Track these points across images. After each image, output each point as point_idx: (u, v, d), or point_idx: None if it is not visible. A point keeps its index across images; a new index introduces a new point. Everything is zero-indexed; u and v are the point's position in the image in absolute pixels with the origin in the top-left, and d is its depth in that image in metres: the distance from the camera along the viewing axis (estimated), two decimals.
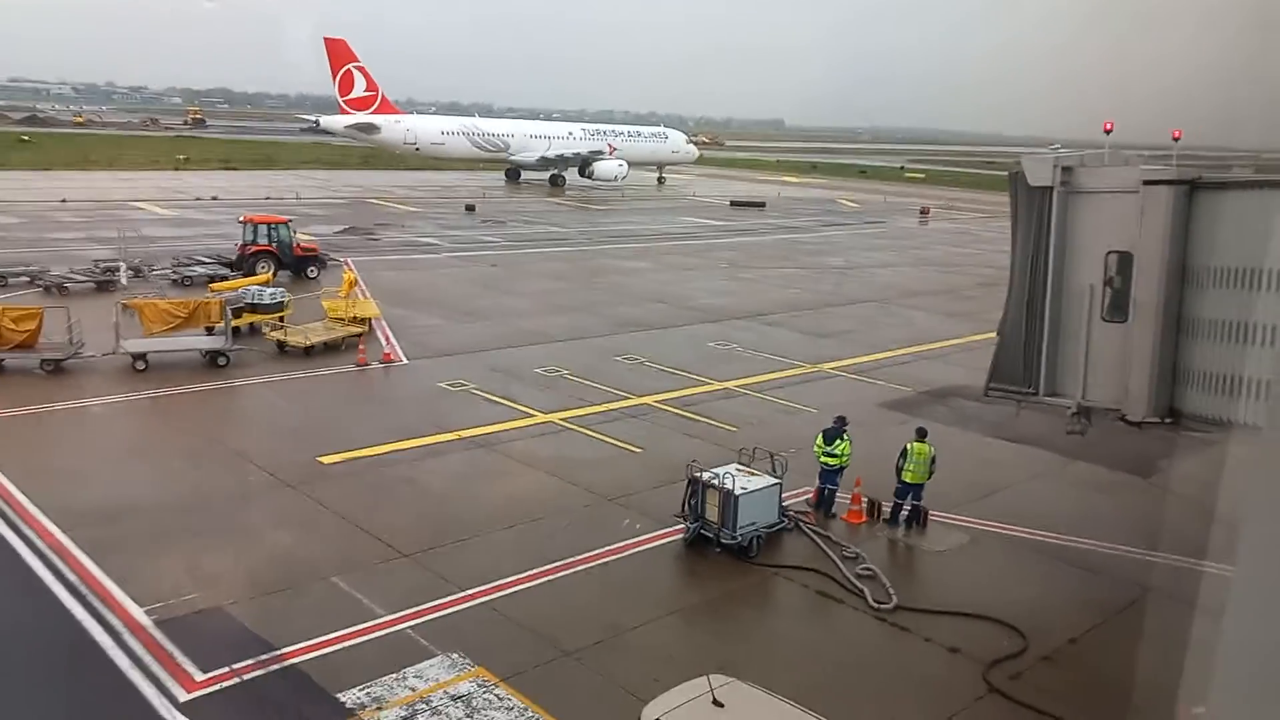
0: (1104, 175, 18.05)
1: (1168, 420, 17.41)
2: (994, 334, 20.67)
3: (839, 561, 19.15)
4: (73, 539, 18.66)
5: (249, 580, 17.43)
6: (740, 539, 19.06)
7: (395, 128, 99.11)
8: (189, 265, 45.85)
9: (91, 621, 15.87)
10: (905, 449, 21.11)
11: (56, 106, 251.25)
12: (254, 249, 45.28)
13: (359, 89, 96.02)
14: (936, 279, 56.22)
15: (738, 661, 15.56)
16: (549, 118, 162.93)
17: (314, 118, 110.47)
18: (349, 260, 50.86)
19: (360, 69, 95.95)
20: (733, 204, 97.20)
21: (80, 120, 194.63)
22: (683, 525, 19.93)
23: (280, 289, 37.17)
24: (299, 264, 46.58)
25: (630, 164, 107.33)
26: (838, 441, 21.45)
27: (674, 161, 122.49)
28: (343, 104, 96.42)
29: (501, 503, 21.58)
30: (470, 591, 17.31)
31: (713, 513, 19.29)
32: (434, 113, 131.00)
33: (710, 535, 19.38)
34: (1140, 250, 17.12)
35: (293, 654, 15.14)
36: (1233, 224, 16.18)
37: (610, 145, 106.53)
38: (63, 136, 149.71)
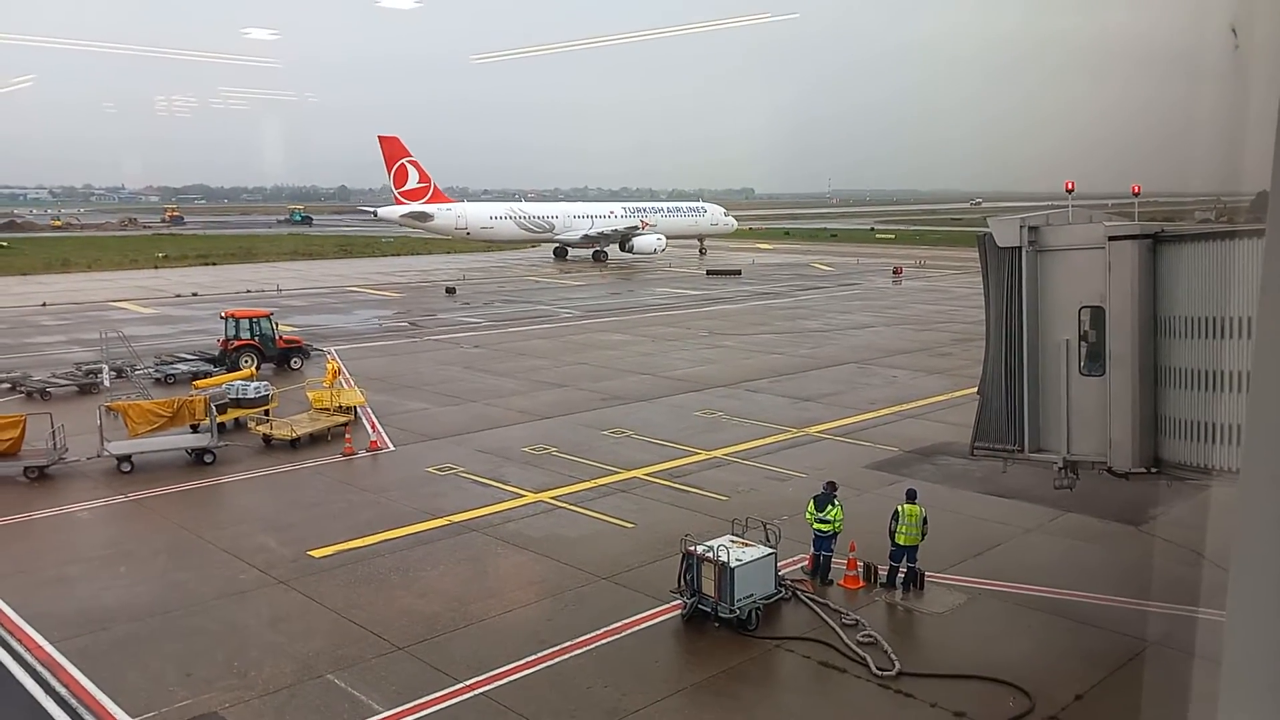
0: (1069, 233, 18.56)
1: (1153, 470, 17.62)
2: (975, 391, 20.95)
3: (839, 629, 19.04)
4: (61, 650, 18.35)
5: (244, 683, 17.14)
6: (738, 612, 18.95)
7: (447, 215, 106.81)
8: (171, 363, 45.79)
9: None
10: (897, 511, 21.16)
11: (34, 211, 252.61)
12: (236, 344, 45.36)
13: (413, 181, 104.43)
14: (913, 337, 56.81)
15: None
16: (525, 198, 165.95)
17: (372, 210, 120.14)
18: (332, 350, 50.95)
19: (413, 163, 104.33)
20: (709, 273, 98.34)
21: (58, 224, 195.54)
22: (680, 601, 19.81)
23: (264, 383, 37.14)
24: (282, 356, 46.65)
25: (671, 237, 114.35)
26: (829, 507, 21.49)
27: (713, 234, 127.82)
28: (398, 195, 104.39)
29: (495, 588, 21.41)
30: (468, 682, 17.08)
31: (709, 586, 19.20)
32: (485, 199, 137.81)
33: (708, 609, 19.26)
34: (1111, 304, 17.52)
35: None
36: (1196, 274, 16.63)
37: (643, 221, 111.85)
38: (41, 241, 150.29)
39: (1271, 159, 2.40)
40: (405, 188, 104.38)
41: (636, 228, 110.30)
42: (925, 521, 21.02)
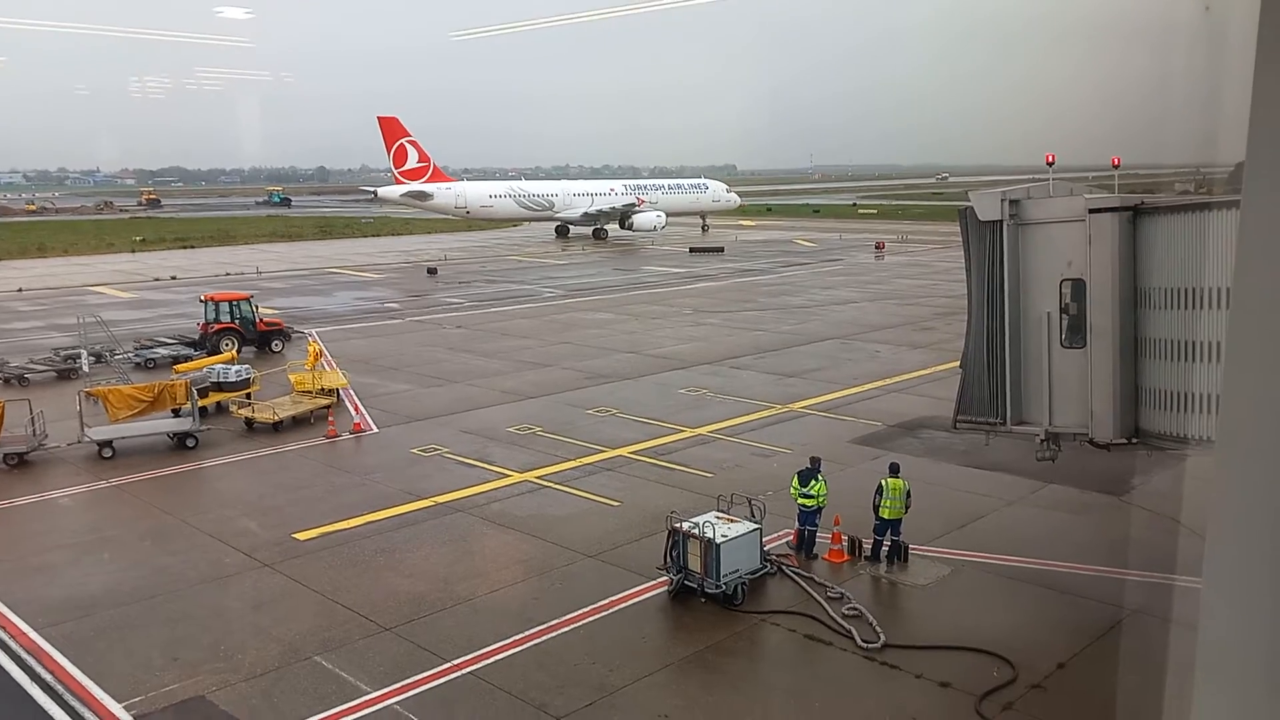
0: (1050, 206, 18.60)
1: (1134, 440, 17.78)
2: (957, 365, 21.06)
3: (824, 603, 19.19)
4: (46, 636, 18.28)
5: (230, 666, 17.13)
6: (724, 587, 19.05)
7: (447, 194, 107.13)
8: (151, 347, 45.43)
9: None
10: (880, 485, 21.29)
11: (8, 195, 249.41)
12: (217, 327, 45.05)
13: (412, 160, 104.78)
14: (896, 312, 57.00)
15: (731, 713, 15.53)
16: (508, 176, 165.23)
17: (372, 190, 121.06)
18: (313, 332, 50.67)
19: (412, 143, 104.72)
20: (692, 250, 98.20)
21: (33, 208, 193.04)
22: (666, 577, 19.90)
23: (245, 366, 36.91)
24: (263, 339, 46.36)
25: (671, 214, 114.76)
26: (813, 482, 21.60)
27: (715, 210, 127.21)
28: (397, 175, 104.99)
29: (481, 568, 21.45)
30: (456, 661, 17.13)
31: (695, 563, 19.29)
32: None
33: (694, 585, 19.35)
34: (1091, 276, 17.60)
35: None
36: (1175, 245, 16.73)
37: (639, 198, 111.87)
38: (16, 225, 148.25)
39: (1247, 130, 2.39)
40: (405, 167, 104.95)
41: (634, 205, 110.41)
42: (909, 495, 21.16)
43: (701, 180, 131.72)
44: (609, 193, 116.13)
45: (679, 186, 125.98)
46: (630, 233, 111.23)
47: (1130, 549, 21.40)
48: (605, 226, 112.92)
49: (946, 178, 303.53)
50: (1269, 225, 2.39)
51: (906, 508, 21.12)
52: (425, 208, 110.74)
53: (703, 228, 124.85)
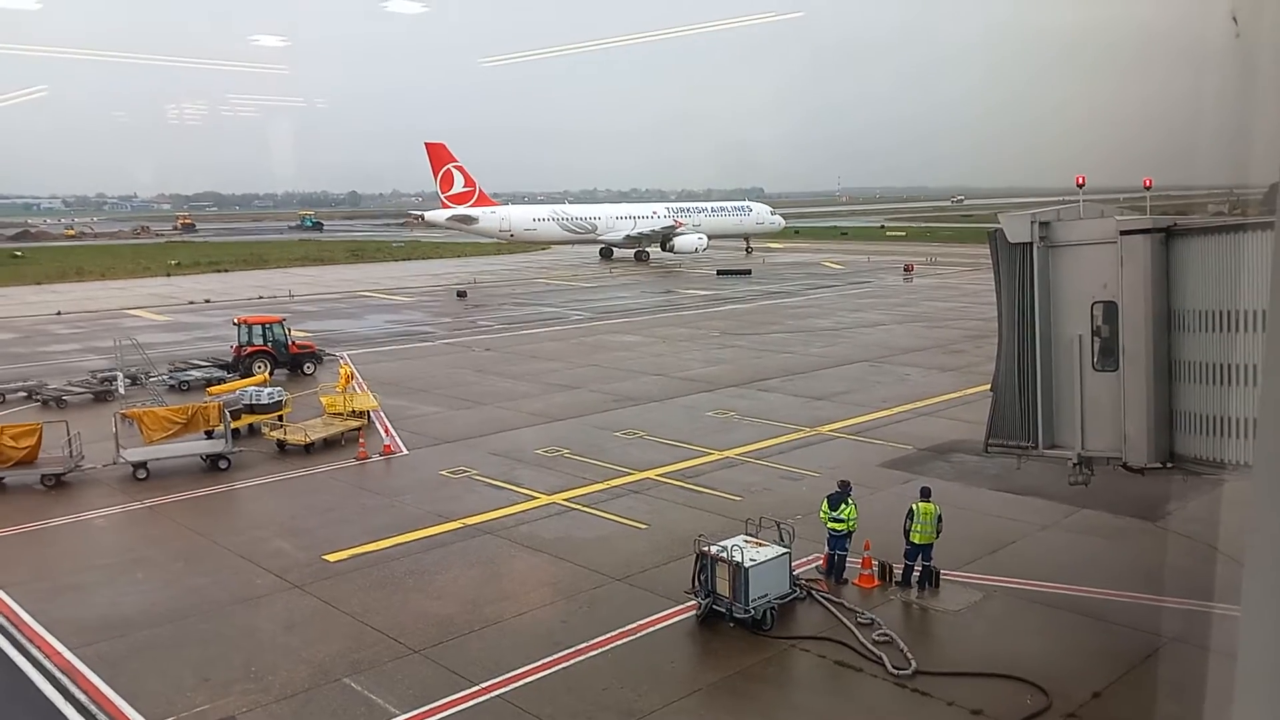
0: (1081, 228, 18.46)
1: (1169, 465, 17.52)
2: (988, 388, 20.88)
3: (854, 629, 19.00)
4: (80, 656, 18.48)
5: (260, 687, 17.23)
6: (753, 612, 18.93)
7: (491, 218, 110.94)
8: (185, 370, 46.04)
9: None
10: (911, 510, 21.10)
11: (48, 220, 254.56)
12: (250, 349, 45.60)
13: (458, 185, 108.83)
14: (925, 334, 56.64)
15: None
16: (534, 200, 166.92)
17: (419, 214, 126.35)
18: (345, 354, 51.14)
19: (459, 168, 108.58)
20: (719, 273, 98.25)
21: (72, 233, 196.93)
22: (694, 601, 19.80)
23: (278, 388, 37.32)
24: (295, 361, 46.88)
25: (715, 236, 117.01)
26: (843, 506, 21.45)
27: (759, 232, 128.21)
28: (444, 199, 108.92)
29: (510, 590, 21.45)
30: (484, 685, 17.12)
31: (723, 587, 19.19)
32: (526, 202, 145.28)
33: (723, 610, 19.24)
34: (1124, 299, 17.43)
35: None
36: (1209, 267, 16.54)
37: (677, 221, 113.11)
38: (55, 250, 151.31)
39: None
40: (451, 192, 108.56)
41: (673, 228, 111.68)
42: (940, 519, 20.96)
43: (745, 203, 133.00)
44: (651, 216, 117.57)
45: (722, 209, 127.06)
46: (671, 255, 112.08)
47: (1166, 575, 21.04)
48: (647, 249, 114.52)
49: (962, 200, 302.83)
50: None
51: (938, 533, 20.92)
52: (471, 231, 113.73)
53: (746, 250, 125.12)
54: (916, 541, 20.87)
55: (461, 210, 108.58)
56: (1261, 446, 2.59)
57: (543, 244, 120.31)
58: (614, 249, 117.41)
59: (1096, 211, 18.92)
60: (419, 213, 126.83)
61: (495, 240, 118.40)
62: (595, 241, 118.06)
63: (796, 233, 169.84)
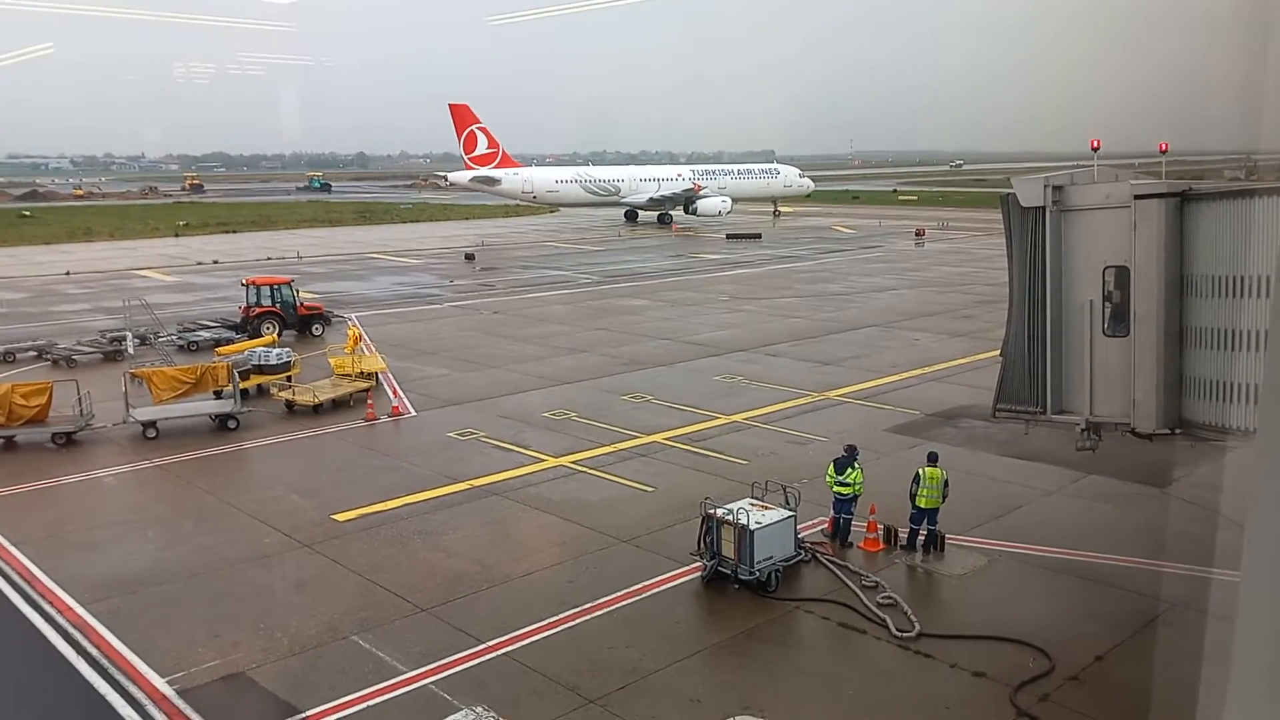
0: (1095, 192, 18.25)
1: (1177, 431, 17.47)
2: (997, 353, 20.81)
3: (859, 591, 19.10)
4: (92, 612, 18.71)
5: (269, 644, 17.43)
6: (758, 574, 19.03)
7: (514, 179, 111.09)
8: (194, 330, 46.18)
9: (114, 695, 15.89)
10: (918, 474, 21.12)
11: (56, 180, 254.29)
12: (258, 310, 45.65)
13: (481, 147, 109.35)
14: (936, 300, 56.39)
15: (764, 700, 15.54)
16: (544, 162, 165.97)
17: (443, 174, 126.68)
18: (353, 316, 51.19)
19: (482, 129, 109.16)
20: (729, 237, 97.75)
21: (80, 193, 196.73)
22: (700, 563, 19.92)
23: (286, 349, 37.40)
24: (304, 323, 46.94)
25: (741, 199, 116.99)
26: (849, 470, 21.47)
27: (787, 195, 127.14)
28: (467, 160, 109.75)
29: (517, 550, 21.61)
30: (491, 643, 17.29)
31: (729, 549, 19.28)
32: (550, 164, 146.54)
33: (728, 572, 19.35)
34: (1136, 264, 17.28)
35: (316, 716, 15.13)
36: (1221, 233, 16.38)
37: (696, 185, 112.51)
38: (63, 210, 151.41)
39: None
40: (474, 153, 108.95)
41: (692, 191, 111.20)
42: (946, 484, 20.98)
43: (773, 165, 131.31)
44: (676, 178, 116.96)
45: (749, 172, 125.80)
46: (695, 218, 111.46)
47: (1172, 541, 21.07)
48: (670, 212, 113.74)
49: (961, 164, 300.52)
50: None
51: (944, 497, 20.94)
52: (493, 192, 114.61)
53: (775, 213, 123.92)
54: (922, 506, 20.91)
55: (484, 172, 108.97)
56: (1265, 412, 2.55)
57: (566, 206, 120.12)
58: (639, 211, 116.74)
59: (1110, 176, 18.71)
60: (443, 174, 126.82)
61: (518, 202, 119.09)
62: (619, 204, 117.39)
63: (807, 196, 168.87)
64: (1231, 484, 20.56)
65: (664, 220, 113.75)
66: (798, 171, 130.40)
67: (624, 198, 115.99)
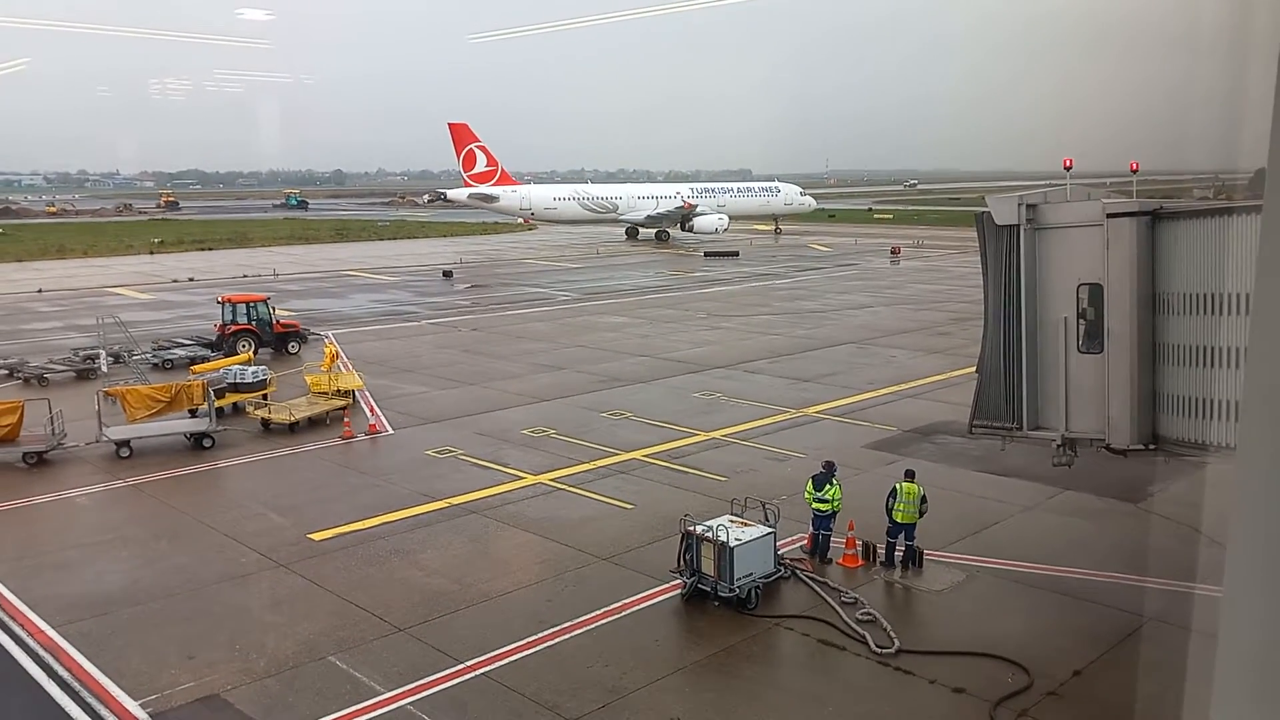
0: (1068, 210, 18.50)
1: (1152, 447, 17.65)
2: (973, 370, 20.97)
3: (838, 608, 19.12)
4: (63, 634, 18.42)
5: (245, 665, 17.22)
6: (738, 591, 19.02)
7: (512, 197, 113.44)
8: (169, 348, 45.75)
9: (86, 719, 15.62)
10: (895, 489, 21.21)
11: (29, 197, 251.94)
12: (234, 328, 45.33)
13: (480, 165, 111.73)
14: (912, 317, 56.79)
15: (744, 718, 15.49)
16: (530, 180, 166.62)
17: (442, 191, 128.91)
18: (329, 334, 50.91)
19: (481, 148, 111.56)
20: (706, 254, 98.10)
21: (53, 210, 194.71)
22: (679, 580, 19.88)
23: (262, 367, 37.12)
24: (280, 340, 46.62)
25: (741, 217, 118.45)
26: (828, 486, 21.54)
27: (788, 213, 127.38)
28: (466, 178, 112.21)
29: (495, 569, 21.48)
30: (469, 663, 17.16)
31: (708, 566, 19.26)
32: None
33: (707, 589, 19.33)
34: (1110, 281, 17.50)
35: None
36: (1194, 251, 16.63)
37: (687, 203, 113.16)
38: (36, 227, 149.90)
39: (1269, 136, 2.38)
40: (473, 171, 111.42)
41: (682, 209, 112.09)
42: (924, 500, 21.07)
43: (774, 184, 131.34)
44: (674, 196, 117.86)
45: (749, 190, 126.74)
46: (692, 236, 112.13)
47: (1148, 556, 21.25)
48: (667, 229, 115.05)
49: (915, 184, 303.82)
50: None
51: (921, 513, 21.03)
52: (492, 209, 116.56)
53: (776, 231, 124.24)
54: (899, 520, 20.99)
55: (482, 189, 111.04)
56: (1244, 428, 2.59)
57: (563, 223, 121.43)
58: (639, 229, 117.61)
59: (1083, 194, 18.97)
60: (442, 190, 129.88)
61: (517, 219, 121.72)
62: (617, 221, 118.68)
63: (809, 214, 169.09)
64: (1207, 499, 20.78)
65: (661, 237, 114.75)
66: (799, 190, 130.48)
67: (622, 215, 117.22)
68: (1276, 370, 2.47)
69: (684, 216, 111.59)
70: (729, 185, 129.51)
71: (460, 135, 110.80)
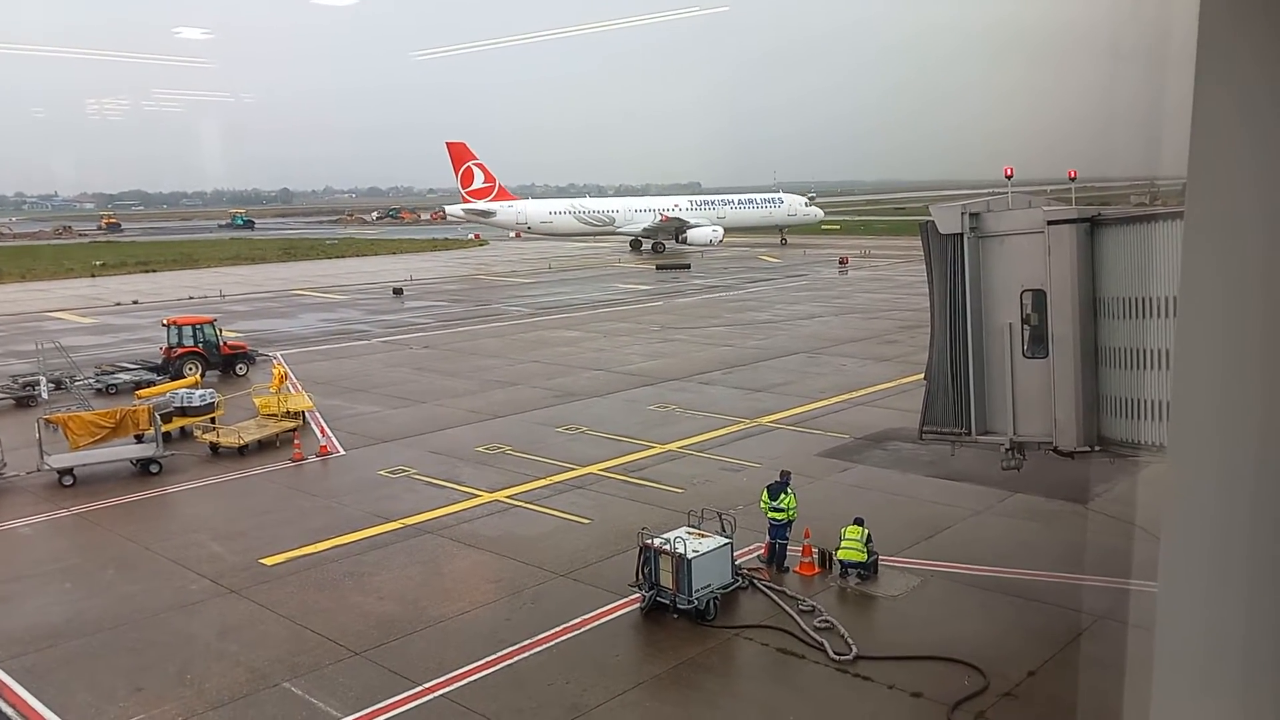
0: (1010, 218, 18.89)
1: (1097, 448, 18.03)
2: (922, 377, 21.28)
3: (796, 616, 19.23)
4: (6, 670, 17.89)
5: (197, 694, 16.85)
6: (697, 603, 19.05)
7: (508, 211, 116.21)
8: (113, 373, 44.73)
9: None
10: (841, 532, 21.21)
11: None
12: (180, 351, 44.48)
13: (478, 181, 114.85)
14: (861, 326, 57.47)
15: None
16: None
17: (442, 208, 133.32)
18: (278, 355, 50.17)
19: (479, 165, 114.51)
20: (658, 268, 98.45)
21: None
22: (638, 594, 19.86)
23: (210, 390, 36.49)
24: (227, 362, 45.87)
25: (742, 229, 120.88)
26: (783, 496, 21.68)
27: (792, 224, 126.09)
28: (464, 194, 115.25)
29: (452, 589, 21.28)
30: (427, 685, 16.97)
31: (667, 579, 19.28)
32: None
33: (666, 601, 19.34)
34: (1052, 287, 17.89)
35: None
36: (1128, 256, 17.08)
37: (664, 215, 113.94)
38: None
39: (1189, 143, 2.47)
40: (471, 188, 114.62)
41: (667, 222, 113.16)
42: (869, 540, 20.96)
43: (778, 195, 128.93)
44: (673, 208, 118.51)
45: (750, 201, 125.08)
46: (687, 247, 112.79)
47: (1096, 555, 21.67)
48: (663, 241, 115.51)
49: (814, 196, 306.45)
50: (1210, 234, 2.47)
51: (869, 553, 20.98)
52: (488, 224, 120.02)
53: (781, 242, 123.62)
54: (841, 559, 20.96)
55: (478, 205, 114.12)
56: (1174, 427, 2.67)
57: (559, 236, 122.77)
58: (641, 241, 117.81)
59: (1024, 202, 19.39)
60: (442, 208, 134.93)
61: (514, 234, 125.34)
62: (613, 234, 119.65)
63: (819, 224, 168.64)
64: (1143, 497, 21.25)
65: (658, 249, 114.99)
66: (803, 200, 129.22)
67: (619, 228, 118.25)
68: (1202, 370, 2.56)
69: (678, 229, 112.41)
70: (729, 197, 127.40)
71: (458, 154, 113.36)
